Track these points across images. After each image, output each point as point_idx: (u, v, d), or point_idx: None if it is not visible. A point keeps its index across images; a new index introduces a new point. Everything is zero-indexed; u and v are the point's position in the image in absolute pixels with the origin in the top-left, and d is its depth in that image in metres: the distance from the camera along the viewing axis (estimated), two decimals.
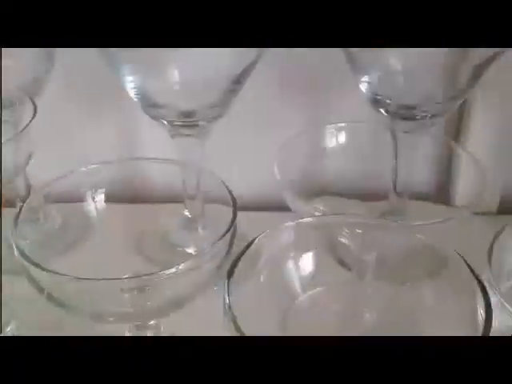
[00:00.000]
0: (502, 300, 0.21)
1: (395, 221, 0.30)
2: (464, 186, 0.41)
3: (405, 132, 0.37)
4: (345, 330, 0.32)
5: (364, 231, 0.30)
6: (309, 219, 0.26)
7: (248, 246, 0.25)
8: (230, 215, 0.28)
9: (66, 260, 0.34)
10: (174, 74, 0.34)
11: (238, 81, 0.35)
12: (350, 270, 0.33)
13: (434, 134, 0.42)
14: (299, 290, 0.29)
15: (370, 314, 0.34)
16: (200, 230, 0.40)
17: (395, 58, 0.34)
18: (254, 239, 0.25)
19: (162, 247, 0.40)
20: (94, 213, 0.37)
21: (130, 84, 0.35)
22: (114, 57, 0.33)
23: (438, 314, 0.28)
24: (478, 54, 0.33)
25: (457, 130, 0.46)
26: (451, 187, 0.44)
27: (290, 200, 0.29)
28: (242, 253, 0.24)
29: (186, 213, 0.41)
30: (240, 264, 0.24)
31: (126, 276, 0.27)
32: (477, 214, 0.44)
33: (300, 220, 0.26)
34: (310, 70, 0.43)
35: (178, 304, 0.29)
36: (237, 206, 0.28)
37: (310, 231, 0.27)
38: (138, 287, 0.28)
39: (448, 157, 0.38)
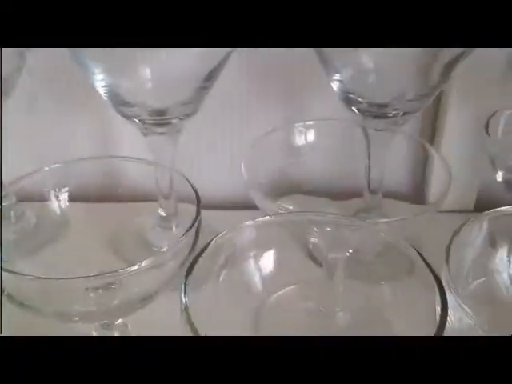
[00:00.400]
0: (458, 299, 0.21)
1: (364, 219, 0.30)
2: (433, 184, 0.41)
3: (377, 130, 0.37)
4: (315, 330, 0.32)
5: (333, 229, 0.30)
6: (268, 218, 0.26)
7: (206, 246, 0.25)
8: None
9: (38, 259, 0.34)
10: (145, 73, 0.34)
11: (209, 78, 0.35)
12: (320, 267, 0.33)
13: (409, 133, 0.43)
14: (262, 289, 0.29)
15: (341, 313, 0.34)
16: (174, 229, 0.40)
17: (367, 57, 0.34)
18: (212, 239, 0.25)
19: (137, 246, 0.40)
20: (67, 212, 0.37)
21: (101, 83, 0.34)
22: (83, 56, 0.33)
23: (403, 313, 0.28)
24: (448, 51, 0.33)
25: (432, 129, 0.46)
26: (426, 187, 0.44)
27: (257, 199, 0.29)
28: (201, 252, 0.24)
29: (160, 211, 0.41)
30: (199, 263, 0.24)
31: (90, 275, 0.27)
32: (453, 211, 0.44)
33: (259, 219, 0.26)
34: (285, 68, 0.43)
35: (142, 302, 0.29)
36: (200, 204, 0.28)
37: (274, 229, 0.27)
38: (102, 285, 0.27)
39: (421, 156, 0.38)
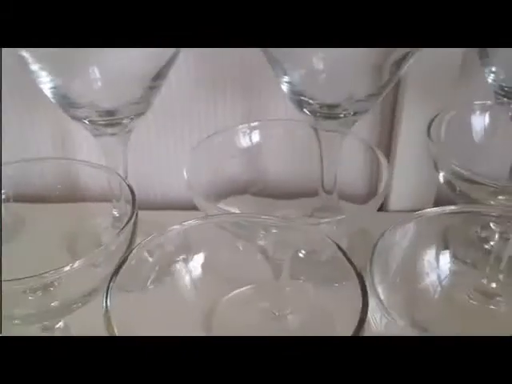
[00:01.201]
0: (378, 301, 0.21)
1: (305, 219, 0.30)
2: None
3: (328, 131, 0.37)
4: (266, 332, 0.32)
5: (278, 231, 0.30)
6: (194, 221, 0.26)
7: (131, 251, 0.25)
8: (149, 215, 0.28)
9: None
10: (93, 73, 0.34)
11: (158, 77, 0.35)
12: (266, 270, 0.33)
13: (362, 137, 0.43)
14: (210, 291, 0.29)
15: (291, 316, 0.34)
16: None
17: (316, 58, 0.34)
18: (139, 243, 0.25)
19: (91, 247, 0.39)
20: (21, 213, 0.37)
21: (47, 85, 0.34)
22: (28, 58, 0.33)
23: (340, 314, 0.28)
24: (395, 51, 0.33)
25: (390, 132, 0.46)
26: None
27: (198, 202, 0.29)
28: (125, 258, 0.24)
29: (114, 212, 0.41)
30: (124, 267, 0.24)
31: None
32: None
33: (185, 223, 0.26)
34: (239, 69, 0.43)
35: (82, 301, 0.28)
36: (136, 205, 0.28)
37: (212, 231, 0.27)
38: (40, 287, 0.27)
39: (373, 160, 0.38)
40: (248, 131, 0.34)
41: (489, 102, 0.36)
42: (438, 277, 0.30)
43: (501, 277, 0.34)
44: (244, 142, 0.35)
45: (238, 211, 0.30)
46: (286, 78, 0.35)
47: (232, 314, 0.33)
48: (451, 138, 0.33)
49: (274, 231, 0.29)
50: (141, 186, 0.46)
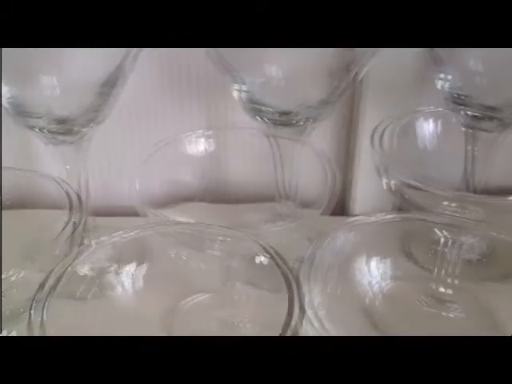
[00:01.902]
0: (307, 310, 0.21)
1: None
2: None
3: (283, 138, 0.37)
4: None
5: (225, 239, 0.30)
6: (128, 232, 0.26)
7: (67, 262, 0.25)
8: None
9: None
10: (44, 81, 0.34)
11: (111, 84, 0.35)
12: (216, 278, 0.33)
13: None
14: (143, 304, 0.29)
15: (248, 324, 0.34)
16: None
17: (270, 65, 0.34)
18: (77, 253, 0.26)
19: (49, 255, 0.39)
20: None
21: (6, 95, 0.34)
22: None
23: None
24: (350, 57, 0.33)
25: (349, 136, 0.47)
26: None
27: (147, 211, 0.29)
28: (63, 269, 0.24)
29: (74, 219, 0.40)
30: (62, 280, 0.24)
31: None
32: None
33: (115, 234, 0.26)
34: (204, 72, 0.43)
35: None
36: (83, 212, 0.28)
37: (155, 241, 0.27)
38: None
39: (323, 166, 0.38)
40: (201, 139, 0.35)
41: (439, 108, 0.36)
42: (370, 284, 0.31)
43: (451, 282, 0.34)
44: (197, 149, 0.35)
45: (191, 219, 0.30)
46: (237, 86, 0.35)
47: (185, 325, 0.33)
48: (394, 145, 0.33)
49: (221, 239, 0.29)
50: (100, 193, 0.46)
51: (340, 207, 0.49)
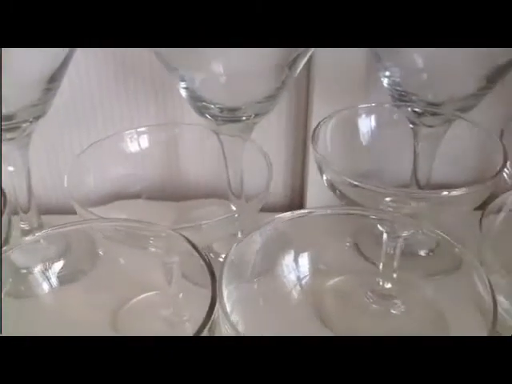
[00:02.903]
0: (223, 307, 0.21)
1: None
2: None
3: (229, 135, 0.37)
4: None
5: (166, 236, 0.30)
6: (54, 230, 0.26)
7: None
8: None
9: None
10: None
11: (54, 79, 0.34)
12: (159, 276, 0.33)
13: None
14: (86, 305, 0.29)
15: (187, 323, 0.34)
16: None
17: (215, 62, 0.34)
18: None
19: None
20: None
21: None
22: None
23: None
24: (290, 51, 0.33)
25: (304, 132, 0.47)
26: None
27: (79, 210, 0.29)
28: None
29: (22, 225, 0.39)
30: None
31: None
32: None
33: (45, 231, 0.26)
34: (149, 69, 0.43)
35: None
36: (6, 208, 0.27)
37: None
38: None
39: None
40: (136, 136, 0.34)
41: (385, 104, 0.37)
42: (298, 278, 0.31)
43: (395, 277, 0.34)
44: (132, 146, 0.35)
45: (129, 216, 0.30)
46: (183, 84, 0.35)
47: (130, 325, 0.33)
48: (336, 142, 0.33)
49: (156, 236, 0.29)
50: (44, 190, 0.46)
51: (299, 204, 0.50)
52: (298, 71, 0.35)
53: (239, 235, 0.33)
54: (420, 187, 0.39)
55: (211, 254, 0.41)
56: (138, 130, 0.34)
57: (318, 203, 0.47)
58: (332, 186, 0.30)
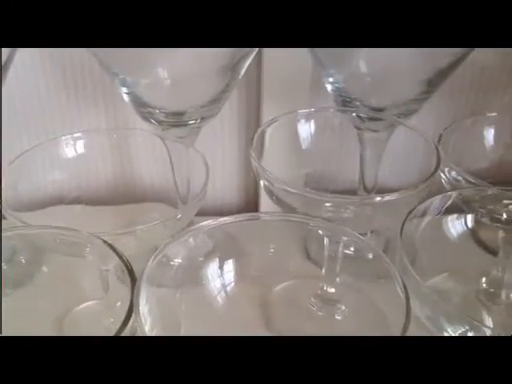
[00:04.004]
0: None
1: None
2: None
3: (174, 140, 0.37)
4: None
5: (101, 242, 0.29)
6: None
7: None
8: None
9: None
10: None
11: None
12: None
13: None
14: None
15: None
16: None
17: (159, 65, 0.34)
18: None
19: None
20: None
21: None
22: None
23: None
24: (233, 55, 0.33)
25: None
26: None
27: (6, 214, 0.28)
28: None
29: None
30: None
31: None
32: None
33: None
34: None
35: None
36: None
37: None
38: None
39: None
40: (71, 142, 0.34)
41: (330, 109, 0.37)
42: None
43: (338, 281, 0.35)
44: (68, 152, 0.34)
45: (69, 223, 0.30)
46: (125, 90, 0.35)
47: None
48: (278, 147, 0.33)
49: (97, 243, 0.29)
50: None
51: (254, 207, 0.50)
52: (242, 74, 0.35)
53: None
54: (367, 191, 0.40)
55: (164, 258, 0.41)
56: (74, 135, 0.34)
57: (273, 206, 0.48)
58: (269, 192, 0.30)
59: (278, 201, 0.30)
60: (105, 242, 0.26)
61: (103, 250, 0.28)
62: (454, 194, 0.29)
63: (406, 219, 0.27)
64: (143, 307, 0.21)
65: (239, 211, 0.51)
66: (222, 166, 0.48)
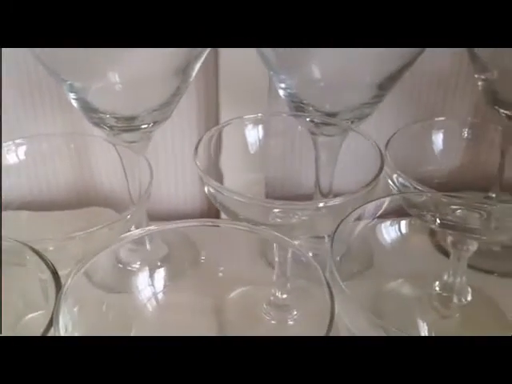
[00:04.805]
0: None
1: None
2: None
3: (128, 145, 0.37)
4: None
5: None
6: None
7: None
8: None
9: None
10: None
11: None
12: None
13: None
14: None
15: None
16: None
17: (108, 70, 0.33)
18: None
19: None
20: None
21: None
22: None
23: None
24: (183, 57, 0.33)
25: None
26: None
27: None
28: None
29: None
30: None
31: None
32: None
33: None
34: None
35: None
36: None
37: None
38: None
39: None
40: (13, 148, 0.33)
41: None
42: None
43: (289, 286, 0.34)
44: (10, 158, 0.34)
45: (13, 231, 0.29)
46: (73, 96, 0.34)
47: None
48: (231, 152, 0.33)
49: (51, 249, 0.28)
50: None
51: (216, 211, 0.50)
52: (193, 76, 0.35)
53: None
54: (323, 195, 0.40)
55: (120, 265, 0.40)
56: (16, 141, 0.33)
57: None
58: (213, 198, 0.30)
59: (222, 207, 0.30)
60: (33, 250, 0.25)
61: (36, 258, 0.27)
62: (386, 200, 0.28)
63: (338, 225, 0.27)
64: (65, 318, 0.21)
65: (203, 217, 0.51)
66: (183, 171, 0.48)
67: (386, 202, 0.28)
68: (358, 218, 0.28)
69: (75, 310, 0.23)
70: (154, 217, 0.42)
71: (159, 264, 0.41)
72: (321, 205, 0.29)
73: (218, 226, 0.31)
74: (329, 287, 0.24)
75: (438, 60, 0.42)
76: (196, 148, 0.31)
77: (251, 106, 0.42)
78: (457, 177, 0.38)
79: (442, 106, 0.44)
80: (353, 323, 0.25)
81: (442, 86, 0.43)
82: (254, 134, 0.36)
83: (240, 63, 0.40)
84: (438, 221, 0.30)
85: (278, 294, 0.35)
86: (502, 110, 0.37)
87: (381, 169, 0.29)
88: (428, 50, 0.35)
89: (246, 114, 0.38)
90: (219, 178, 0.45)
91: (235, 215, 0.30)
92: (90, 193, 0.37)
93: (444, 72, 0.43)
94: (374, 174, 0.31)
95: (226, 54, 0.41)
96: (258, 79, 0.42)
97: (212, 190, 0.29)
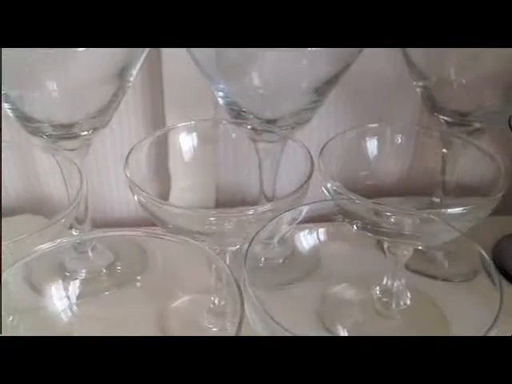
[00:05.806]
0: None
1: None
2: None
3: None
4: None
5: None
6: None
7: None
8: None
9: None
10: None
11: None
12: None
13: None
14: None
15: None
16: None
17: (43, 77, 0.33)
18: None
19: None
20: None
21: None
22: None
23: None
24: (119, 62, 0.33)
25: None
26: None
27: None
28: None
29: None
30: None
31: None
32: None
33: None
34: None
35: None
36: None
37: None
38: None
39: None
40: None
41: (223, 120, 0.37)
42: None
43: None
44: None
45: None
46: (7, 105, 0.34)
47: None
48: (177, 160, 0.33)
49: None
50: None
51: None
52: (131, 82, 0.35)
53: None
54: (268, 200, 0.40)
55: (67, 273, 0.40)
56: None
57: None
58: (144, 207, 0.30)
59: (152, 215, 0.30)
60: None
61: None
62: (305, 209, 0.28)
63: (250, 243, 0.27)
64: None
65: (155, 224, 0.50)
66: None
67: (305, 210, 0.28)
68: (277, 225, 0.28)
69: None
70: (105, 224, 0.42)
71: (104, 271, 0.41)
72: (250, 212, 0.29)
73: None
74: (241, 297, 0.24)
75: (381, 65, 0.43)
76: (126, 158, 0.30)
77: (197, 112, 0.42)
78: (399, 183, 0.39)
79: (389, 111, 0.44)
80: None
81: (386, 91, 0.43)
82: (199, 140, 0.36)
83: (184, 70, 0.40)
84: (371, 227, 0.30)
85: (219, 302, 0.35)
86: (441, 117, 0.38)
87: (309, 176, 0.29)
88: (371, 57, 0.35)
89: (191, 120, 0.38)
90: (167, 182, 0.45)
91: (164, 224, 0.30)
92: (30, 201, 0.37)
93: (388, 79, 0.43)
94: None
95: (170, 60, 0.41)
96: (204, 85, 0.42)
97: (142, 199, 0.29)
